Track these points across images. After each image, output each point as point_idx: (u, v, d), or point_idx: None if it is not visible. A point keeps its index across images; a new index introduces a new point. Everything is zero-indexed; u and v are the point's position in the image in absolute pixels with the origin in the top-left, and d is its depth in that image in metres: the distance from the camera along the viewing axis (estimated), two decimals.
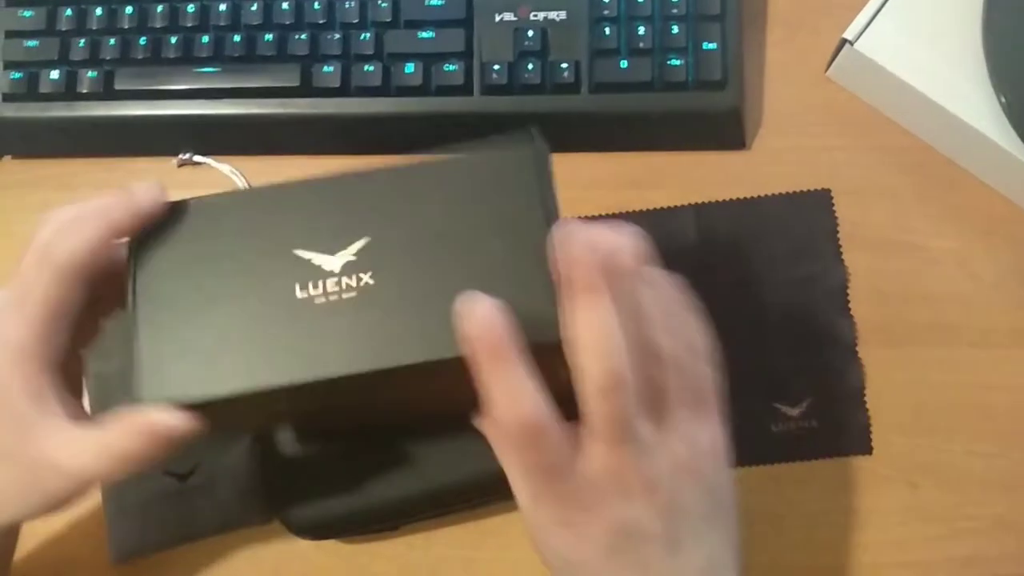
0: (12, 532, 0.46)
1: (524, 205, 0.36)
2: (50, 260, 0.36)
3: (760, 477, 0.52)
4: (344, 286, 0.35)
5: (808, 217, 0.54)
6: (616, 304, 0.32)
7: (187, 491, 0.50)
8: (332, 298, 0.35)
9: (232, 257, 0.37)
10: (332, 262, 0.36)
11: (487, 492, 0.47)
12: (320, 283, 0.36)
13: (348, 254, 0.36)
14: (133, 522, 0.51)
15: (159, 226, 0.37)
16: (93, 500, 0.51)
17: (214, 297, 0.36)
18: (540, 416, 0.32)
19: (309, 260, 0.36)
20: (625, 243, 0.34)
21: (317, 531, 0.49)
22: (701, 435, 0.35)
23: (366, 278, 0.36)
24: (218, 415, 0.36)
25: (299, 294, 0.36)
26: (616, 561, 0.33)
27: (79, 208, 0.37)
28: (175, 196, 0.38)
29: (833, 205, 0.54)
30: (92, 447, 0.35)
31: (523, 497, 0.34)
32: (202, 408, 0.35)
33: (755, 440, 0.51)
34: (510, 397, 0.32)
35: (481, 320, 0.32)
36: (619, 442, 0.32)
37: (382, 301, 0.35)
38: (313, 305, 0.35)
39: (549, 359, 0.32)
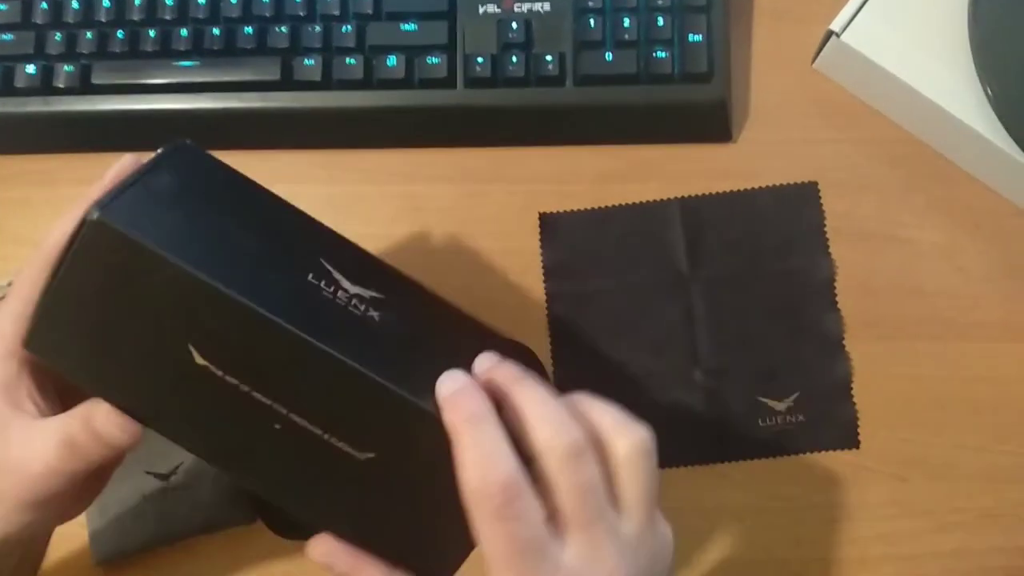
0: (23, 544, 0.42)
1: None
2: (39, 252, 0.36)
3: (747, 472, 0.51)
4: (353, 303, 0.36)
5: (795, 210, 0.54)
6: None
7: (169, 490, 0.50)
8: (339, 301, 0.35)
9: (265, 219, 0.37)
10: (350, 285, 0.36)
11: None
12: (333, 286, 0.36)
13: (364, 291, 0.37)
14: (115, 522, 0.50)
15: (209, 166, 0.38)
16: None
17: (227, 212, 0.35)
18: (517, 478, 0.31)
19: (330, 270, 0.36)
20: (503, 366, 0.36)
21: (300, 531, 0.48)
22: (664, 530, 0.35)
23: (373, 312, 0.36)
24: (146, 299, 0.33)
25: (310, 279, 0.35)
26: None
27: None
28: None
29: (820, 198, 0.54)
30: (52, 439, 0.35)
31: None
32: (142, 271, 0.32)
33: (742, 435, 0.51)
34: (486, 459, 0.32)
35: (460, 386, 0.33)
36: (591, 522, 0.32)
37: (378, 331, 0.36)
38: (318, 289, 0.35)
39: None
